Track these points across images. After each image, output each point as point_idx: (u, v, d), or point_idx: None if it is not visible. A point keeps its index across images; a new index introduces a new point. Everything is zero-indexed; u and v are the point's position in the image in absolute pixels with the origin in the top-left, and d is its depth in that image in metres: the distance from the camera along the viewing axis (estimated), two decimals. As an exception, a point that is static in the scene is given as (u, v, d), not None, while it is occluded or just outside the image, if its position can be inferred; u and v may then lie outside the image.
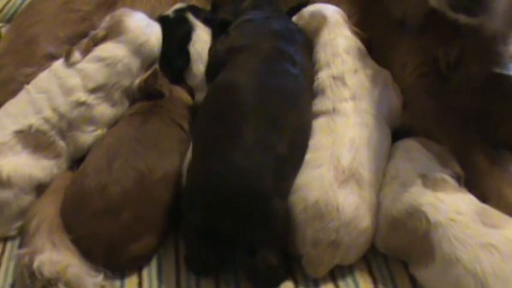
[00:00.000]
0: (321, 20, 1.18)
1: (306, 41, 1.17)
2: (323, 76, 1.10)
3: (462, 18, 0.96)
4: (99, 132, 1.12)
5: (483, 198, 0.99)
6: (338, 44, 1.13)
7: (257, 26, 1.15)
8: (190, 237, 0.97)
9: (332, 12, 1.19)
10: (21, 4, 1.54)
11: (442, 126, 1.08)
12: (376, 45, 1.17)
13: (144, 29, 1.17)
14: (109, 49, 1.14)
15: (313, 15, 1.19)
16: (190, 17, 1.23)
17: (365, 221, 0.94)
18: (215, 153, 0.94)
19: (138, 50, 1.16)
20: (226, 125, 0.97)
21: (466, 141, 1.06)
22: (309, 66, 1.13)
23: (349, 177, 0.95)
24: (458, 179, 0.99)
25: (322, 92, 1.08)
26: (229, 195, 0.90)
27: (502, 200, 1.00)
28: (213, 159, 0.94)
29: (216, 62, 1.13)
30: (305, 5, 1.23)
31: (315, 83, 1.10)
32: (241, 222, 0.91)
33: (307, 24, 1.20)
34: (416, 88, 1.11)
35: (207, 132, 1.00)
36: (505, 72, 1.13)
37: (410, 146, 1.03)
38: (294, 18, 1.23)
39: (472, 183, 1.01)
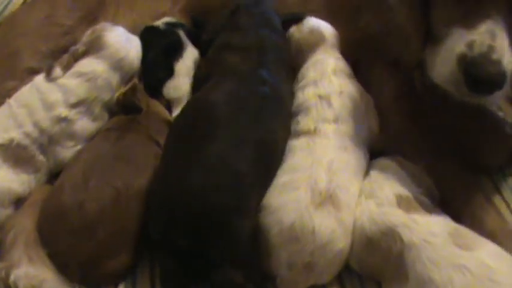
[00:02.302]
0: (318, 39, 1.19)
1: (286, 58, 1.18)
2: (309, 94, 1.10)
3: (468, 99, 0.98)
4: (79, 147, 1.12)
5: (457, 218, 0.99)
6: (328, 64, 1.14)
7: (237, 48, 1.15)
8: (160, 253, 0.97)
9: (331, 33, 1.20)
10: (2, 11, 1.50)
11: (417, 147, 1.08)
12: (355, 65, 1.18)
13: (124, 44, 1.18)
14: (89, 64, 1.14)
15: (313, 32, 1.20)
16: (182, 34, 1.24)
17: (340, 243, 0.94)
18: (175, 169, 0.95)
19: (117, 64, 1.16)
20: (189, 142, 0.98)
21: (441, 163, 1.06)
22: (285, 85, 1.14)
23: (326, 200, 0.95)
24: (432, 199, 1.00)
25: (307, 110, 1.09)
26: (187, 212, 0.91)
27: (475, 221, 1.00)
28: (173, 175, 0.94)
29: (198, 84, 1.14)
30: (301, 18, 1.24)
31: (300, 100, 1.11)
32: (200, 240, 0.91)
33: (304, 38, 1.21)
34: (392, 109, 1.11)
35: (171, 148, 1.01)
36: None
37: (386, 166, 1.04)
38: (292, 29, 1.23)
39: (446, 204, 1.01)
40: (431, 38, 1.02)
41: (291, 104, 1.12)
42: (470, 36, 0.93)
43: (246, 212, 0.95)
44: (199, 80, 1.16)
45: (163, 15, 1.29)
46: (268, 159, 1.02)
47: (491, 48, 0.91)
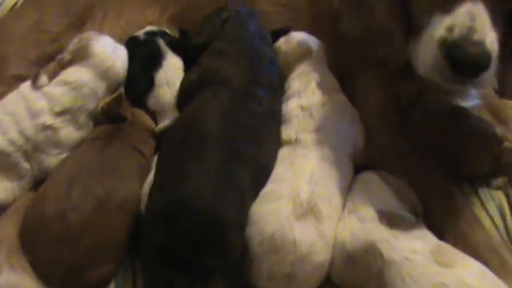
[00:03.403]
0: (306, 52, 1.20)
1: (277, 70, 1.18)
2: (292, 105, 1.11)
3: (455, 86, 0.99)
4: (64, 155, 1.12)
5: (440, 234, 1.00)
6: (313, 76, 1.14)
7: (229, 57, 1.15)
8: (150, 263, 0.96)
9: (318, 47, 1.21)
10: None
11: (401, 162, 1.09)
12: (342, 80, 1.18)
13: (110, 53, 1.18)
14: (75, 73, 1.14)
15: (301, 44, 1.21)
16: (161, 43, 1.23)
17: (321, 255, 0.94)
18: (178, 178, 0.94)
19: (103, 74, 1.16)
20: (190, 151, 0.97)
21: (425, 178, 1.07)
22: (277, 100, 1.14)
23: (307, 211, 0.95)
24: (416, 215, 1.00)
25: (289, 120, 1.09)
26: (190, 220, 0.90)
27: (458, 236, 1.01)
28: (176, 183, 0.94)
29: (187, 92, 1.14)
30: (288, 31, 1.25)
31: (284, 111, 1.11)
32: (200, 249, 0.91)
33: (292, 50, 1.21)
34: (377, 124, 1.12)
35: (169, 158, 1.00)
36: (467, 106, 1.14)
37: (370, 180, 1.04)
38: (281, 41, 1.24)
39: (430, 219, 1.01)
40: (413, 31, 1.01)
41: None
42: (450, 20, 0.92)
43: (243, 224, 0.95)
44: (188, 88, 1.16)
45: (151, 23, 1.29)
46: (263, 177, 1.02)
47: (471, 29, 0.90)
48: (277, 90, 1.16)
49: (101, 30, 1.24)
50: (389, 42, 1.04)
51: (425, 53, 0.95)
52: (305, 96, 1.11)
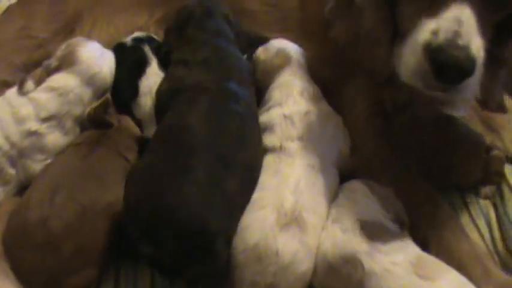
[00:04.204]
0: (285, 60, 1.18)
1: (246, 68, 1.18)
2: (274, 114, 1.10)
3: (437, 94, 0.95)
4: (50, 161, 1.12)
5: (425, 244, 1.00)
6: (294, 85, 1.13)
7: (195, 62, 1.14)
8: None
9: (297, 53, 1.20)
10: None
11: (387, 169, 1.08)
12: (328, 84, 1.17)
13: (97, 59, 1.18)
14: (61, 79, 1.14)
15: (279, 53, 1.20)
16: (147, 49, 1.23)
17: (303, 265, 0.94)
18: (165, 187, 0.94)
19: (90, 80, 1.16)
20: (176, 161, 0.97)
21: (411, 186, 1.06)
22: (253, 100, 1.14)
23: (291, 220, 0.95)
24: (401, 224, 1.00)
25: (271, 128, 1.09)
26: (176, 229, 0.90)
27: (442, 246, 1.00)
28: (164, 194, 0.93)
29: (160, 102, 1.14)
30: (266, 40, 1.24)
31: (265, 119, 1.11)
32: (185, 258, 0.91)
33: (271, 59, 1.20)
34: (363, 131, 1.11)
35: (153, 168, 0.99)
36: (454, 114, 1.14)
37: (355, 189, 1.03)
38: (260, 50, 1.23)
39: (415, 229, 1.01)
40: (399, 37, 0.99)
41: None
42: (435, 24, 0.89)
43: (230, 233, 0.95)
44: (160, 98, 1.15)
45: (140, 28, 1.29)
46: (254, 179, 1.02)
47: (456, 34, 0.87)
48: (249, 83, 1.15)
49: (89, 36, 1.25)
50: (376, 50, 1.03)
51: (409, 58, 0.93)
52: (287, 105, 1.10)
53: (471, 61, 0.87)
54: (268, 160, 1.04)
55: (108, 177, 1.05)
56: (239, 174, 0.98)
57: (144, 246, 0.94)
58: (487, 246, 1.09)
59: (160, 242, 0.92)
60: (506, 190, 1.15)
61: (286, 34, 1.23)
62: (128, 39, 1.25)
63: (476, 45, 0.89)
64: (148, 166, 1.01)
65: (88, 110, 1.15)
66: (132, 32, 1.27)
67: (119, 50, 1.23)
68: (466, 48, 0.87)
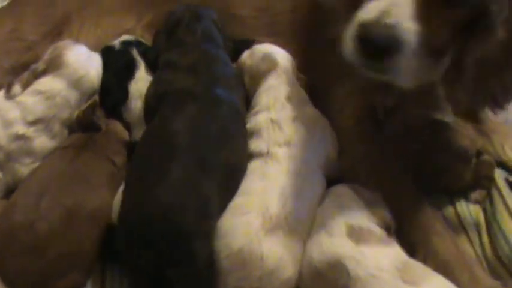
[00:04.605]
0: (271, 65, 1.18)
1: (237, 76, 1.18)
2: (261, 118, 1.10)
3: (372, 75, 0.94)
4: (37, 164, 1.12)
5: (412, 249, 0.99)
6: (281, 90, 1.13)
7: (183, 66, 1.15)
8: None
9: (283, 58, 1.19)
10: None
11: (375, 173, 1.07)
12: (317, 88, 1.17)
13: (83, 62, 1.18)
14: (48, 83, 1.15)
15: (265, 57, 1.19)
16: (135, 53, 1.23)
17: (288, 271, 0.93)
18: (141, 189, 0.95)
19: (76, 83, 1.17)
20: (155, 164, 0.98)
21: (398, 190, 1.05)
22: (241, 103, 1.14)
23: (276, 226, 0.94)
24: (387, 229, 0.99)
25: (258, 133, 1.08)
26: (151, 232, 0.91)
27: (429, 251, 1.00)
28: (139, 194, 0.95)
29: (149, 106, 1.14)
30: (251, 44, 1.24)
31: (252, 124, 1.10)
32: (162, 260, 0.91)
33: (257, 64, 1.19)
34: (351, 134, 1.10)
35: (136, 171, 1.01)
36: (444, 118, 1.13)
37: (342, 193, 1.02)
38: (245, 55, 1.23)
39: (402, 234, 1.00)
40: None
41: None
42: (373, 4, 0.89)
43: (208, 234, 0.95)
44: (148, 102, 1.16)
45: (128, 32, 1.29)
46: (236, 180, 1.02)
47: (386, 13, 0.87)
48: (236, 88, 1.15)
49: (77, 39, 1.25)
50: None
51: (347, 35, 0.92)
52: (274, 110, 1.10)
53: (392, 38, 0.86)
54: (255, 165, 1.04)
55: (94, 181, 1.05)
56: (218, 177, 0.98)
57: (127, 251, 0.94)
58: (475, 251, 1.08)
59: (139, 245, 0.92)
60: (495, 195, 1.14)
61: (275, 39, 1.23)
62: (116, 43, 1.25)
63: (406, 27, 0.87)
64: (130, 170, 1.03)
65: (77, 112, 1.15)
66: (120, 35, 1.27)
67: (107, 53, 1.23)
68: (390, 27, 0.86)
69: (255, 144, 1.07)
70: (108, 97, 1.19)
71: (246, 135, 1.09)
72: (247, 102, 1.17)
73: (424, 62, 0.91)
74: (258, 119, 1.10)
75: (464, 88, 0.96)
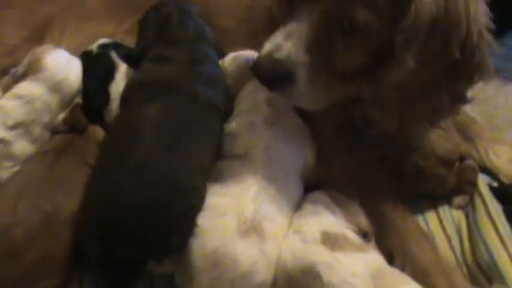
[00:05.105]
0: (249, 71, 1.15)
1: (220, 73, 1.18)
2: (241, 121, 1.09)
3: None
4: (18, 168, 1.11)
5: (390, 254, 1.00)
6: (260, 94, 1.12)
7: (172, 61, 1.15)
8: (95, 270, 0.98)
9: None
10: None
11: (353, 181, 1.07)
12: None
13: (63, 66, 1.18)
14: (27, 87, 1.14)
15: (248, 62, 1.16)
16: (113, 55, 1.23)
17: (262, 275, 0.93)
18: (104, 177, 0.98)
19: (56, 87, 1.16)
20: (120, 149, 0.99)
21: (376, 196, 1.05)
22: (223, 103, 1.14)
23: (250, 229, 0.94)
24: (365, 235, 0.99)
25: (238, 136, 1.08)
26: (131, 223, 0.92)
27: (407, 257, 1.00)
28: (103, 183, 0.98)
29: (123, 95, 1.14)
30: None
31: (232, 127, 1.10)
32: (141, 249, 0.93)
33: (238, 69, 1.19)
34: (330, 142, 1.10)
35: (101, 158, 1.02)
36: (424, 125, 1.12)
37: (319, 199, 1.02)
38: (227, 60, 1.22)
39: (380, 240, 1.00)
40: None
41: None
42: (273, 35, 0.97)
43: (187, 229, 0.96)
44: (124, 90, 1.15)
45: (109, 36, 1.29)
46: (203, 178, 1.02)
47: (278, 47, 0.95)
48: (221, 88, 1.15)
49: (59, 43, 1.25)
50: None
51: None
52: (254, 114, 1.10)
53: (280, 73, 0.96)
54: (232, 167, 1.04)
55: (72, 185, 1.04)
56: (195, 172, 0.99)
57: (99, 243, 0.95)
58: (456, 257, 1.07)
59: (108, 237, 0.94)
60: (478, 201, 1.13)
61: (257, 49, 1.22)
62: (94, 47, 1.25)
63: (295, 61, 0.95)
64: (96, 163, 1.05)
65: (63, 115, 1.16)
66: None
67: (86, 58, 1.23)
68: (278, 62, 0.95)
69: (233, 147, 1.07)
70: (91, 102, 1.19)
71: (219, 134, 1.09)
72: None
73: (326, 86, 0.98)
74: (238, 122, 1.10)
75: (385, 110, 1.00)
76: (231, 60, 1.22)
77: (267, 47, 0.96)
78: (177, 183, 0.96)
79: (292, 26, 0.96)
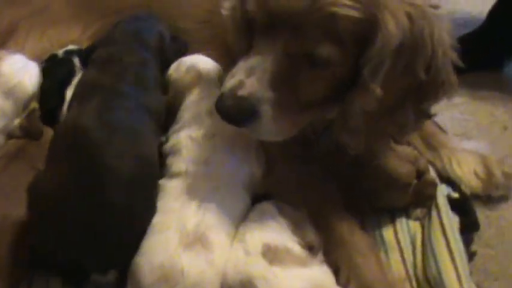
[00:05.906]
0: (195, 77, 1.17)
1: (152, 73, 1.18)
2: (181, 136, 1.10)
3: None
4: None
5: (335, 266, 1.00)
6: (203, 105, 1.12)
7: (99, 62, 1.16)
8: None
9: (209, 69, 1.18)
10: None
11: (301, 192, 1.07)
12: None
13: (16, 72, 1.20)
14: (-18, 93, 1.16)
15: (189, 70, 1.19)
16: (76, 61, 1.25)
17: (211, 284, 0.94)
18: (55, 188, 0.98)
19: (9, 92, 1.18)
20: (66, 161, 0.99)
21: (324, 209, 1.05)
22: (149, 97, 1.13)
23: (194, 240, 0.95)
24: (311, 248, 0.99)
25: (178, 152, 1.08)
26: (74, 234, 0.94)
27: (352, 271, 1.00)
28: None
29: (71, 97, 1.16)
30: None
31: (173, 142, 1.10)
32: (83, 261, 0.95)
33: (181, 77, 1.19)
34: (279, 154, 1.09)
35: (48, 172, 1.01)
36: (387, 142, 1.12)
37: (265, 211, 1.02)
38: (172, 68, 1.22)
39: (327, 253, 1.01)
40: None
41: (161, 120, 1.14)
42: (235, 69, 0.95)
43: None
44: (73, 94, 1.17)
45: (73, 42, 1.30)
46: (149, 171, 1.03)
47: (240, 85, 0.93)
48: (150, 87, 1.15)
49: (23, 48, 1.27)
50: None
51: None
52: (195, 127, 1.09)
53: (242, 111, 0.94)
54: (174, 185, 1.03)
55: (20, 192, 1.03)
56: (133, 165, 0.99)
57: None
58: (407, 270, 1.07)
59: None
60: (434, 213, 1.13)
61: (218, 51, 1.22)
62: (60, 51, 1.28)
63: (259, 97, 0.93)
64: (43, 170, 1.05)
65: (18, 121, 1.17)
66: (66, 46, 1.29)
67: (51, 61, 1.26)
68: (241, 100, 0.93)
69: (175, 164, 1.07)
70: (46, 102, 1.22)
71: (155, 132, 1.10)
72: (172, 117, 1.16)
73: (291, 118, 0.97)
74: (179, 137, 1.10)
75: (351, 133, 0.99)
76: (175, 69, 1.21)
77: (230, 83, 0.94)
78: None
79: (254, 61, 0.94)
